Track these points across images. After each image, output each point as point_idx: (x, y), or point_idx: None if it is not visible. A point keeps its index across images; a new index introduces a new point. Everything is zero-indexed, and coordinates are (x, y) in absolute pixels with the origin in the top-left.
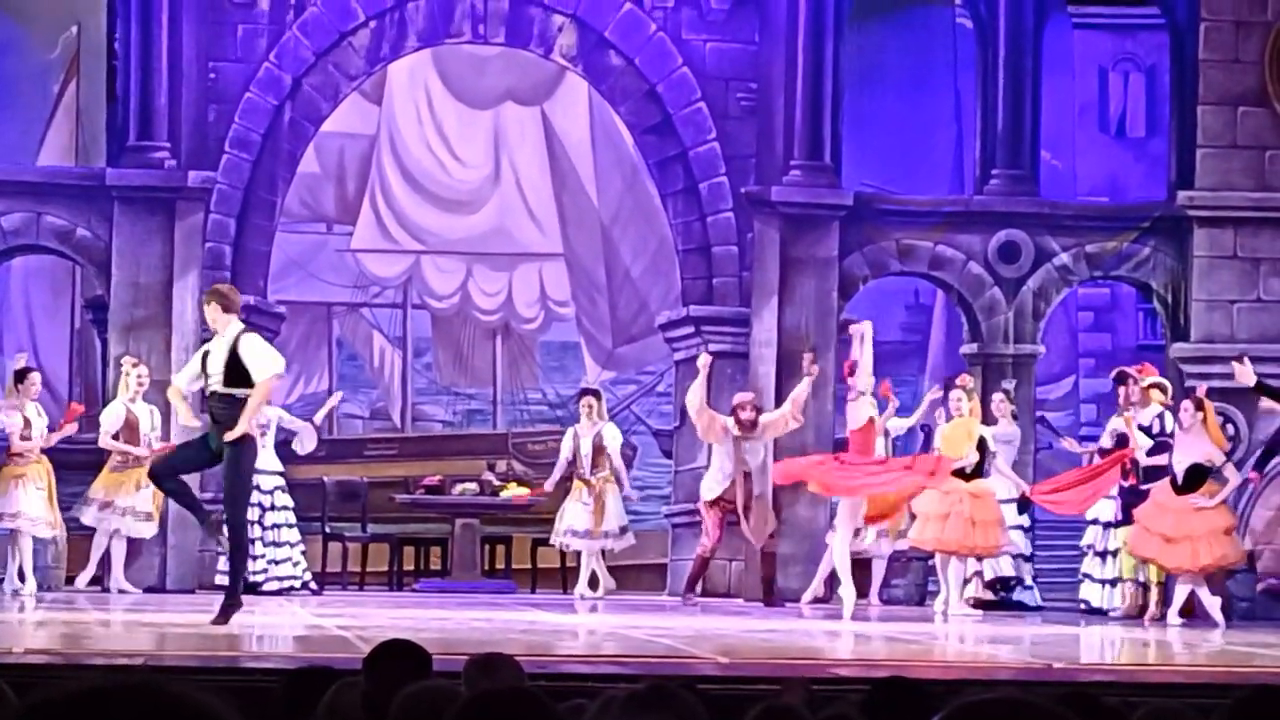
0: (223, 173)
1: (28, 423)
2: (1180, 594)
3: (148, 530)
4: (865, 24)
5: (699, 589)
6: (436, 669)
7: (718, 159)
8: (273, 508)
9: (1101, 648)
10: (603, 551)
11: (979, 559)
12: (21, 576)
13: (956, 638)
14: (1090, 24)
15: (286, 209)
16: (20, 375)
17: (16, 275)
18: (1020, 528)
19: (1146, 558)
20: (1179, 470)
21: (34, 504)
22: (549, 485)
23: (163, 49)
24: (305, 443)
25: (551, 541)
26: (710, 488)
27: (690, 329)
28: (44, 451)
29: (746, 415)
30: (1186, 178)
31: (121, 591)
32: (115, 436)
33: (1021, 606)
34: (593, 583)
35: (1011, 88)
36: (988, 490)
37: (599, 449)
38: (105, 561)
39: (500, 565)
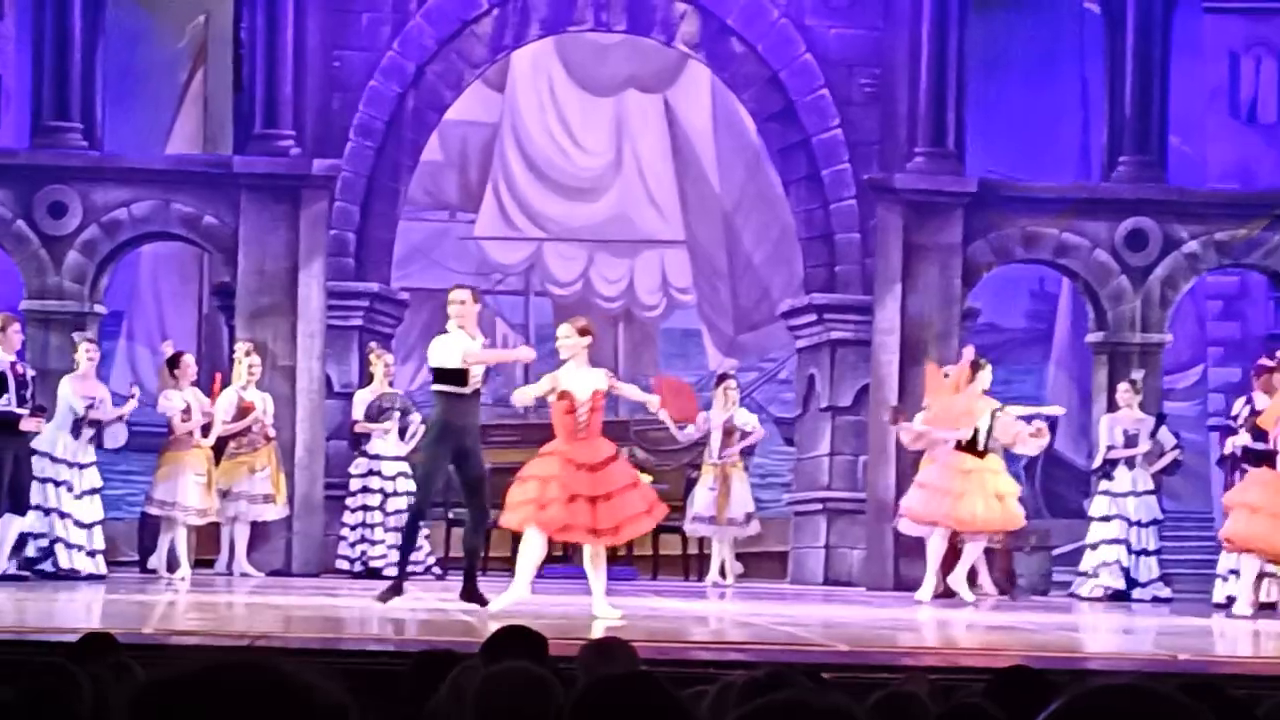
0: (347, 160)
1: (188, 406)
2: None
3: (270, 513)
4: (990, 9)
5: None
6: (556, 654)
7: (840, 146)
8: (395, 494)
9: (1230, 640)
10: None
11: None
12: (170, 566)
13: (1079, 628)
14: (1221, 8)
15: (410, 196)
16: (173, 361)
17: (146, 262)
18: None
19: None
20: None
21: (191, 494)
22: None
23: (288, 38)
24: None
25: (684, 528)
26: None
27: (812, 316)
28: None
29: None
30: None
31: (244, 575)
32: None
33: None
34: (722, 570)
35: (1140, 72)
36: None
37: (729, 433)
38: (232, 547)
39: (622, 552)
